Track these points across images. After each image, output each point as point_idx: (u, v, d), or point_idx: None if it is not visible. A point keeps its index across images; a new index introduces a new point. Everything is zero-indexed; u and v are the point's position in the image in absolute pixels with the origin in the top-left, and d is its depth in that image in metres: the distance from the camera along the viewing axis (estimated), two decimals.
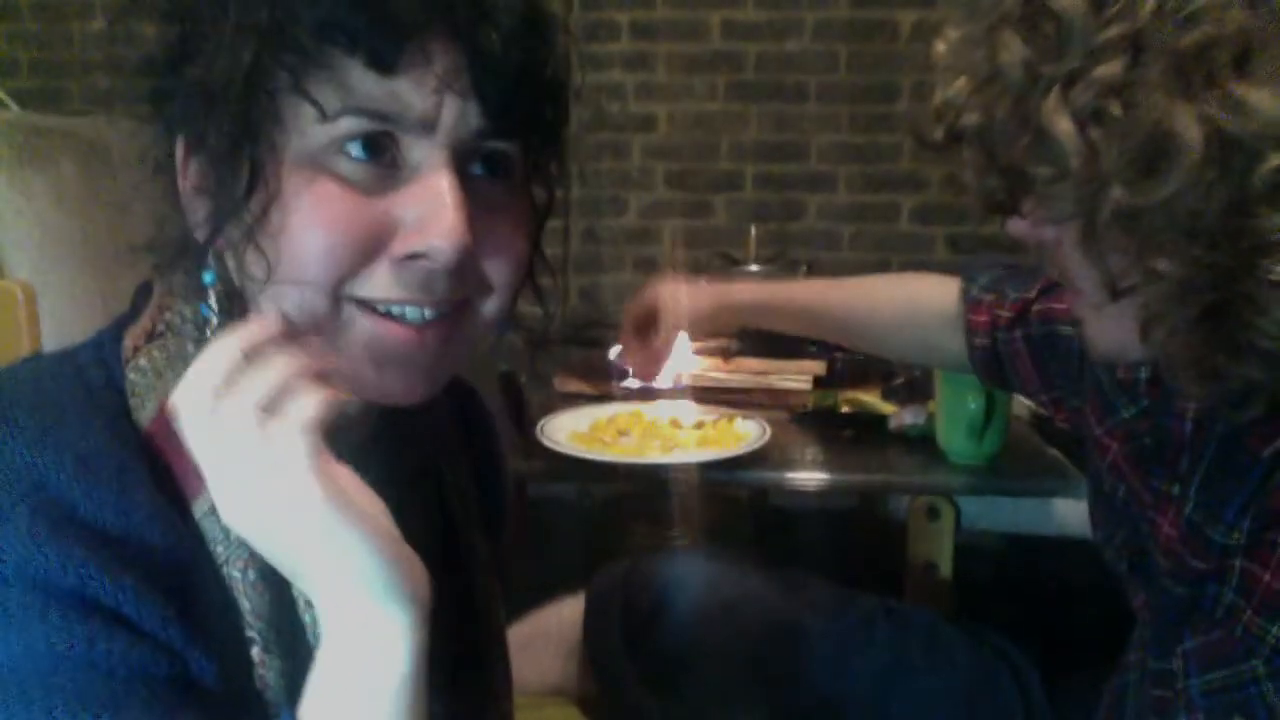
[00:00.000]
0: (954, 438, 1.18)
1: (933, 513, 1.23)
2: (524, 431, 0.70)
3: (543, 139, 0.56)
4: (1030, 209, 0.58)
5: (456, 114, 0.50)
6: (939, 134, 0.61)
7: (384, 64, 0.48)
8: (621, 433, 1.24)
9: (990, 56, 0.55)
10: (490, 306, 0.55)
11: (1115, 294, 0.56)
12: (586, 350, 1.69)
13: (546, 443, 1.16)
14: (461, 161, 0.51)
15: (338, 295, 0.50)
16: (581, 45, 0.59)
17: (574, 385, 1.51)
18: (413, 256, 0.50)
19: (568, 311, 2.90)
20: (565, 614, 1.07)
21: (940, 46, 0.60)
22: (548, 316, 0.64)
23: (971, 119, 0.58)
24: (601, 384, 1.50)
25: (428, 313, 0.52)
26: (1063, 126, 0.51)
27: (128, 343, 0.54)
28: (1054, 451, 1.26)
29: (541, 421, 1.22)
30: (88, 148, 1.26)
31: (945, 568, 1.24)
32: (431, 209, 0.50)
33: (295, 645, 0.51)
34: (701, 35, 2.84)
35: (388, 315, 0.52)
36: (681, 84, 2.86)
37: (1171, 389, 0.66)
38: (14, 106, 1.69)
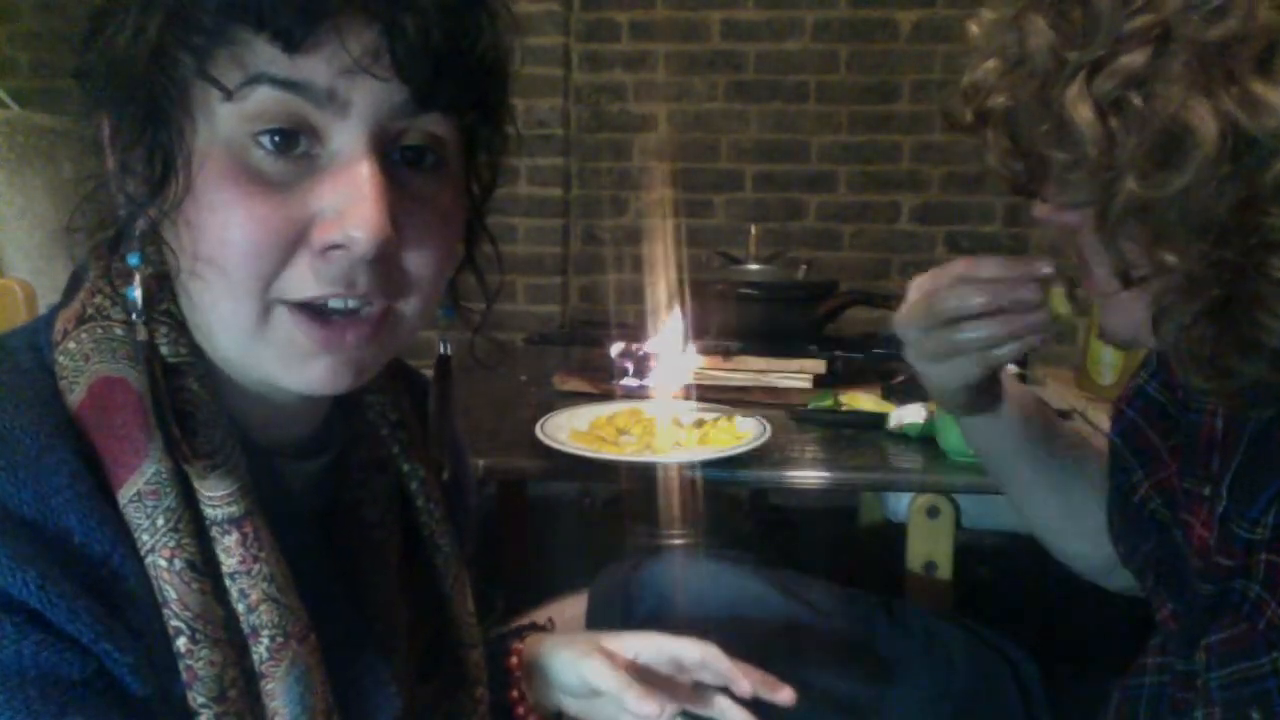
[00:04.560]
0: (954, 436, 1.17)
1: (932, 512, 1.23)
2: (444, 419, 0.69)
3: (478, 117, 0.55)
4: (1050, 194, 0.59)
5: (376, 95, 0.49)
6: (968, 115, 0.60)
7: (291, 41, 0.46)
8: (621, 431, 1.24)
9: (1019, 40, 0.55)
10: (413, 305, 0.54)
11: (1127, 283, 0.56)
12: (587, 349, 1.69)
13: (547, 441, 1.16)
14: (385, 149, 0.51)
15: (266, 297, 0.50)
16: (581, 45, 0.58)
17: (574, 384, 1.51)
18: (333, 247, 0.49)
19: (568, 311, 2.90)
20: (567, 613, 1.07)
21: (973, 28, 0.60)
22: (489, 303, 0.63)
23: (998, 101, 0.58)
24: (601, 383, 1.50)
25: (351, 303, 0.52)
26: (1083, 114, 0.51)
27: (58, 326, 0.54)
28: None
29: (541, 420, 1.23)
30: (87, 147, 1.26)
31: (945, 567, 1.24)
32: (349, 198, 0.49)
33: (228, 635, 0.51)
34: (701, 35, 2.84)
35: (310, 310, 0.51)
36: (681, 84, 2.87)
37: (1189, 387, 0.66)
38: (14, 106, 1.69)
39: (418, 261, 0.53)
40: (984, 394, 0.78)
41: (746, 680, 0.75)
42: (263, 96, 0.48)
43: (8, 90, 1.73)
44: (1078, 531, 0.85)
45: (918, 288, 0.74)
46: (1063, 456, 0.85)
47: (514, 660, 0.79)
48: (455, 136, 0.54)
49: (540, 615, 1.07)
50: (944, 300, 0.71)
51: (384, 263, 0.51)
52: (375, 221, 0.48)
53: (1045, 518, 0.88)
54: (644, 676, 0.75)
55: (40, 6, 2.86)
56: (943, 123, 0.64)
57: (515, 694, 0.78)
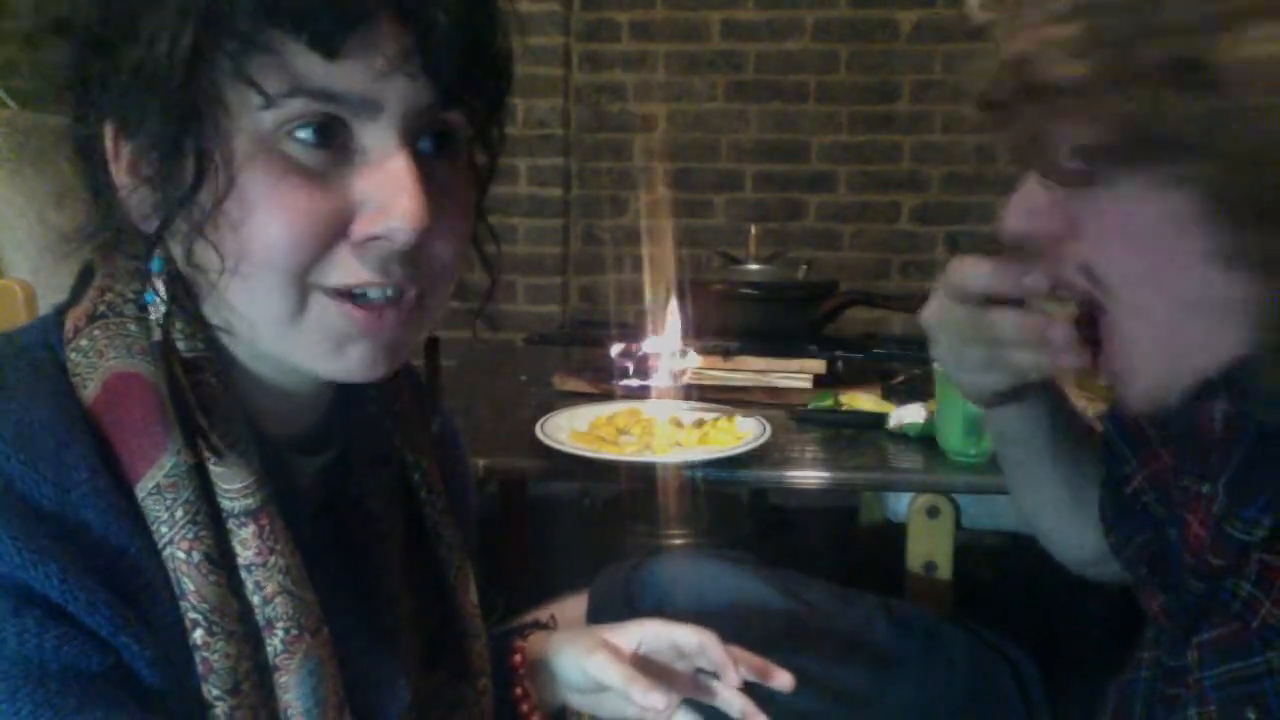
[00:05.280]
0: (953, 436, 1.18)
1: (932, 512, 1.23)
2: (436, 394, 0.70)
3: (488, 107, 0.56)
4: (1119, 175, 0.53)
5: (406, 94, 0.50)
6: (1012, 90, 0.54)
7: (330, 47, 0.47)
8: (621, 431, 1.24)
9: None
10: (438, 292, 0.56)
11: (1230, 267, 0.51)
12: (587, 349, 1.69)
13: (547, 441, 1.16)
14: (412, 139, 0.52)
15: (304, 283, 0.51)
16: (581, 45, 0.59)
17: (574, 384, 1.51)
18: (372, 238, 0.50)
19: (568, 311, 2.90)
20: (568, 613, 1.07)
21: None
22: (494, 283, 0.64)
23: (1076, 69, 0.51)
24: (601, 383, 1.50)
25: (389, 291, 0.53)
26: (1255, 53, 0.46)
27: (69, 324, 0.54)
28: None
29: (541, 420, 1.23)
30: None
31: (945, 567, 1.24)
32: (389, 191, 0.50)
33: (243, 628, 0.51)
34: (701, 35, 2.84)
35: (348, 296, 0.52)
36: (681, 84, 2.87)
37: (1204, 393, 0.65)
38: (14, 106, 1.69)
39: (443, 248, 0.54)
40: (1018, 388, 0.74)
41: (735, 672, 0.75)
42: (300, 103, 0.48)
43: (8, 90, 1.73)
44: (1080, 518, 0.85)
45: (952, 288, 0.69)
46: (1075, 439, 0.84)
47: (517, 658, 0.79)
48: (466, 129, 0.55)
49: (541, 615, 1.07)
50: (1002, 323, 0.66)
51: (416, 251, 0.52)
52: (417, 214, 0.50)
53: (1051, 503, 0.86)
54: (646, 667, 0.76)
55: (40, 6, 2.85)
56: (977, 101, 0.58)
57: (519, 691, 0.78)
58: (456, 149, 0.55)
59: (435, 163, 0.53)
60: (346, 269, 0.51)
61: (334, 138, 0.50)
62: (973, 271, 0.68)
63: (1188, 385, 0.58)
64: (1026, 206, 0.61)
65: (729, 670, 0.75)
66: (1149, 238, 0.55)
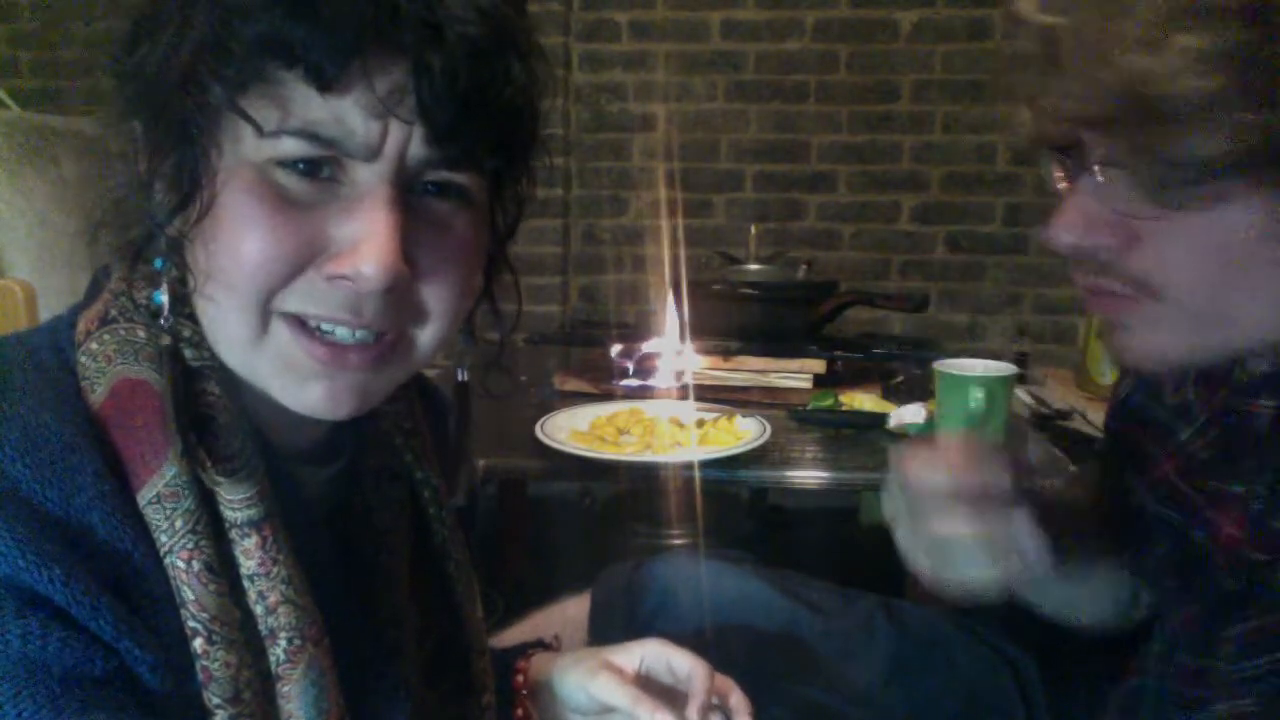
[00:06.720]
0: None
1: None
2: (463, 443, 0.70)
3: (502, 165, 0.55)
4: (1255, 183, 0.52)
5: (400, 141, 0.49)
6: (1122, 106, 0.52)
7: (325, 81, 0.47)
8: (621, 431, 1.24)
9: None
10: (426, 335, 0.55)
11: None
12: (587, 349, 1.69)
13: (547, 441, 1.16)
14: (407, 182, 0.51)
15: (267, 309, 0.50)
16: (581, 45, 0.58)
17: (574, 384, 1.51)
18: (340, 277, 0.50)
19: (568, 311, 2.90)
20: (570, 613, 1.07)
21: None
22: (503, 338, 0.64)
23: (1210, 83, 0.49)
24: (601, 383, 1.50)
25: (358, 333, 0.52)
26: None
27: (80, 326, 0.54)
28: (1054, 449, 1.26)
29: (542, 420, 1.23)
30: (87, 147, 1.26)
31: None
32: (365, 232, 0.49)
33: (244, 638, 0.51)
34: (701, 35, 2.84)
35: (314, 331, 0.51)
36: (681, 84, 2.87)
37: (1248, 391, 0.64)
38: (14, 106, 1.69)
39: (433, 293, 0.53)
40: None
41: (698, 713, 0.72)
42: (292, 142, 0.48)
43: (8, 90, 1.73)
44: (1104, 601, 0.85)
45: (907, 488, 0.69)
46: (1070, 542, 0.80)
47: (519, 679, 0.79)
48: (479, 185, 0.54)
49: (541, 617, 1.07)
50: (938, 539, 0.67)
51: (395, 294, 0.51)
52: (386, 260, 0.49)
53: (1086, 604, 0.86)
54: (649, 686, 0.75)
55: (40, 7, 2.86)
56: (1072, 118, 0.54)
57: (520, 712, 0.78)
58: (467, 195, 0.54)
59: (436, 204, 0.53)
60: (311, 298, 0.50)
61: (323, 170, 0.49)
62: (928, 473, 0.66)
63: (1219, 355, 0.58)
64: (1082, 220, 0.59)
65: (693, 707, 0.73)
66: (1231, 250, 0.54)
